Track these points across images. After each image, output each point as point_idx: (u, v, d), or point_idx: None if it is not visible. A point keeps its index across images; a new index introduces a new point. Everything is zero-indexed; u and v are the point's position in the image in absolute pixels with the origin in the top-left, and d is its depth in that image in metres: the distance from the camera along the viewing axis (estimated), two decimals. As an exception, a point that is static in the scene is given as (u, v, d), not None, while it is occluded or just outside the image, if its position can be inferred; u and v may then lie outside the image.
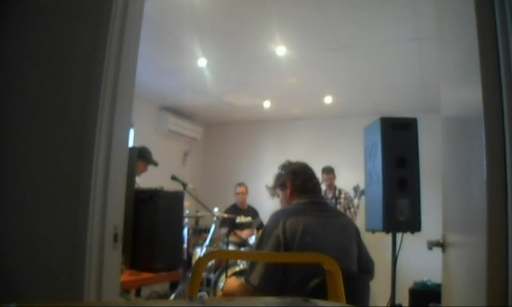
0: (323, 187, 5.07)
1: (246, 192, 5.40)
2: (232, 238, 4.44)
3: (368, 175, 2.41)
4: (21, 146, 1.44)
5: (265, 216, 5.24)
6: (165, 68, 4.44)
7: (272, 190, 2.09)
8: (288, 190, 2.00)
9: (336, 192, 5.05)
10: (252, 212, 5.20)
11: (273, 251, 1.76)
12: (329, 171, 5.06)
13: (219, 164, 6.75)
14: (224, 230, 4.29)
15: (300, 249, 1.73)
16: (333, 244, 1.79)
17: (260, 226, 5.01)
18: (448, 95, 1.53)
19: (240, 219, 4.62)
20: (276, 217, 1.84)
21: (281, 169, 2.06)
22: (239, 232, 4.79)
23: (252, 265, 1.78)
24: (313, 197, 1.96)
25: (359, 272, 1.90)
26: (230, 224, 4.36)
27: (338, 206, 4.89)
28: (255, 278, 1.73)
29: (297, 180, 1.98)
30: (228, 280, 2.11)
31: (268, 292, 1.72)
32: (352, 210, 4.87)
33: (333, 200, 4.97)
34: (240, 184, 5.45)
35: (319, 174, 4.98)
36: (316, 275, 1.54)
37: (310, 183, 1.99)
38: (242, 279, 1.83)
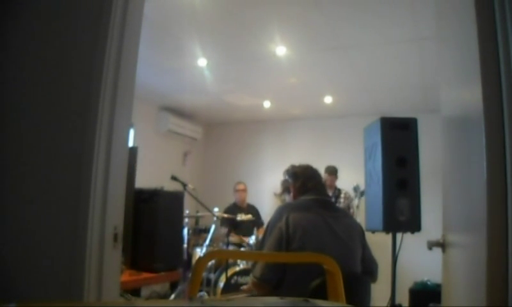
0: None
1: (245, 190, 5.39)
2: (232, 238, 4.43)
3: (368, 175, 2.41)
4: (21, 146, 1.44)
5: (265, 216, 5.24)
6: (165, 68, 4.44)
7: (281, 196, 2.19)
8: (292, 194, 2.07)
9: (336, 192, 5.04)
10: (252, 210, 5.19)
11: (276, 242, 1.81)
12: (331, 172, 5.04)
13: (219, 164, 6.75)
14: (224, 229, 4.29)
15: (301, 245, 1.75)
16: (336, 243, 1.80)
17: (259, 225, 5.01)
18: (448, 95, 1.53)
19: (241, 217, 4.62)
20: (280, 211, 1.90)
21: (285, 175, 2.14)
22: (241, 236, 4.77)
23: None
24: (320, 195, 1.98)
25: (362, 274, 1.91)
26: (230, 223, 4.37)
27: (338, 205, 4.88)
28: (257, 270, 1.81)
29: (297, 182, 2.05)
30: None
31: (270, 282, 1.79)
32: (352, 210, 4.86)
33: (333, 199, 4.97)
34: (240, 182, 5.44)
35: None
36: (316, 272, 1.55)
37: (310, 183, 2.02)
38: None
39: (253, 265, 1.86)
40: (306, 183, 2.01)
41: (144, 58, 3.18)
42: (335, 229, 1.84)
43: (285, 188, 2.11)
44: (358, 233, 1.96)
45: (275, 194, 2.26)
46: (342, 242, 1.83)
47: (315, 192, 1.99)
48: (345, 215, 2.12)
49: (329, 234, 1.82)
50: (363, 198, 4.12)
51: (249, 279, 1.98)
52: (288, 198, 2.10)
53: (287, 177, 2.11)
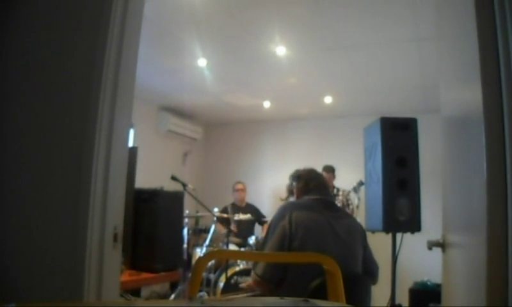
0: None
1: (244, 190, 5.39)
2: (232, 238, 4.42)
3: (368, 175, 2.41)
4: (21, 146, 1.44)
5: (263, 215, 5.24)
6: (165, 68, 4.44)
7: (286, 200, 2.22)
8: (295, 195, 2.10)
9: (335, 191, 5.05)
10: (251, 209, 5.20)
11: (279, 241, 1.82)
12: (329, 170, 5.07)
13: (219, 164, 6.75)
14: (223, 229, 4.28)
15: (303, 243, 1.76)
16: (337, 243, 1.81)
17: (262, 223, 5.02)
18: (448, 95, 1.53)
19: (239, 217, 4.61)
20: (283, 209, 1.92)
21: (290, 179, 2.18)
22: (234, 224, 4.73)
23: None
24: (322, 195, 2.00)
25: (363, 274, 1.91)
26: (228, 222, 4.37)
27: (336, 202, 4.88)
28: (259, 268, 1.82)
29: (300, 183, 2.08)
30: None
31: (272, 280, 1.80)
32: (351, 207, 4.86)
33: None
34: (239, 182, 5.45)
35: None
36: (317, 272, 1.55)
37: (312, 183, 2.05)
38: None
39: (255, 263, 1.87)
40: (308, 184, 2.05)
41: (144, 58, 3.18)
42: (336, 229, 1.85)
43: (290, 191, 2.15)
44: (359, 234, 1.96)
45: (281, 199, 2.30)
46: (343, 242, 1.83)
47: (317, 192, 2.01)
48: (346, 215, 2.13)
49: (331, 234, 1.83)
50: (362, 198, 4.12)
51: (250, 277, 1.99)
52: (292, 200, 2.14)
53: (291, 180, 2.17)
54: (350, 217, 2.14)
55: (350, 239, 1.89)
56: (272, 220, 1.94)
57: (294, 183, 2.11)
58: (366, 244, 2.00)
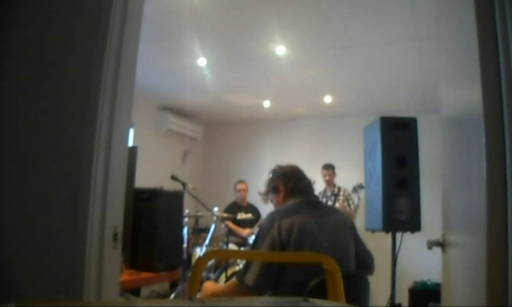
0: (323, 183, 5.08)
1: (246, 190, 5.39)
2: (232, 237, 4.43)
3: (368, 175, 2.41)
4: (21, 146, 1.44)
5: (264, 216, 5.23)
6: (165, 67, 4.44)
7: (265, 196, 2.10)
8: (282, 194, 2.00)
9: (335, 190, 5.05)
10: (252, 209, 5.20)
11: (269, 251, 1.75)
12: (328, 167, 5.08)
13: (219, 163, 6.75)
14: (224, 228, 4.29)
15: (297, 248, 1.72)
16: (329, 242, 1.78)
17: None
18: (448, 95, 1.53)
19: (241, 216, 4.62)
20: (271, 218, 1.83)
21: (272, 174, 2.08)
22: (239, 229, 4.79)
23: (247, 265, 1.77)
24: (307, 197, 1.96)
25: (358, 268, 1.89)
26: (230, 221, 4.38)
27: (337, 203, 4.89)
28: (249, 278, 1.71)
29: (290, 182, 1.98)
30: (205, 284, 2.08)
31: (262, 292, 1.71)
32: (352, 207, 4.87)
33: (332, 197, 4.98)
34: (241, 181, 5.45)
35: (318, 173, 5.00)
36: (313, 275, 1.54)
37: (302, 184, 1.98)
38: (233, 279, 1.81)
39: (243, 273, 1.75)
40: (298, 184, 1.96)
41: (144, 58, 3.18)
42: (326, 229, 1.81)
43: (273, 187, 2.03)
44: (348, 228, 1.92)
45: (259, 194, 2.17)
46: (333, 240, 1.80)
47: (305, 193, 1.95)
48: (333, 212, 2.05)
49: (322, 235, 1.79)
50: (362, 198, 4.13)
51: (227, 286, 1.85)
52: (274, 198, 2.04)
53: (274, 176, 2.05)
54: (337, 213, 2.07)
55: (340, 235, 1.85)
56: (260, 229, 1.86)
57: (282, 181, 2.00)
58: (357, 236, 1.95)
